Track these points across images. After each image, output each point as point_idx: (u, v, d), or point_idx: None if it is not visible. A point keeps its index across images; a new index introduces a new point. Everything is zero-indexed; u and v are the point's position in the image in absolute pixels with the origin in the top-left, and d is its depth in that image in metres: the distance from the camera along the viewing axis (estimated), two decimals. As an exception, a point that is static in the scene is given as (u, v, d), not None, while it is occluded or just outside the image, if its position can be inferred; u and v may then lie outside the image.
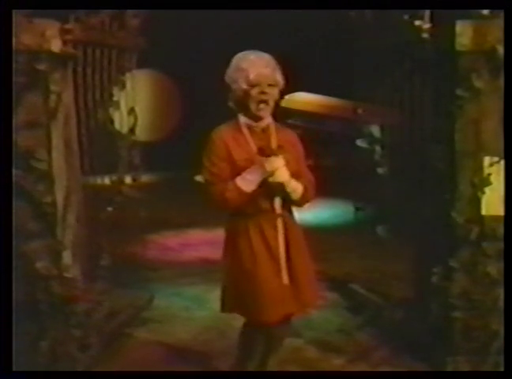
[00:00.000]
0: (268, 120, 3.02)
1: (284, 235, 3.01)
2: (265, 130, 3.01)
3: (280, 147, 2.95)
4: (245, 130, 2.99)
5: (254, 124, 2.99)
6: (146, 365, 3.76)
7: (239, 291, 3.00)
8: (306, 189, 3.03)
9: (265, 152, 2.90)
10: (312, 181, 3.13)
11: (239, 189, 2.90)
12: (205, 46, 9.81)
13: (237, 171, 2.92)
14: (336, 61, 7.71)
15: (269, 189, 2.95)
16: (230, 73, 2.97)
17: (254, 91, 2.90)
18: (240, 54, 2.97)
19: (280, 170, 2.90)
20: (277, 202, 2.99)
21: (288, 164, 2.94)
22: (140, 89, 4.41)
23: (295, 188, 2.99)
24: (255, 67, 2.88)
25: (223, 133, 2.99)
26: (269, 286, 2.95)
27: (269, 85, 2.91)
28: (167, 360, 3.85)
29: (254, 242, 2.97)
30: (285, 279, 2.99)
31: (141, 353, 3.97)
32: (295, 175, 2.99)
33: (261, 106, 2.93)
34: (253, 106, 2.93)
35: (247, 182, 2.90)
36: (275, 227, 3.00)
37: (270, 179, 2.91)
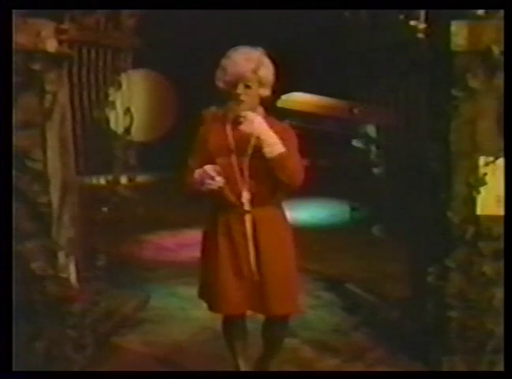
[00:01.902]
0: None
1: (256, 233, 2.97)
2: None
3: (259, 138, 2.91)
4: (229, 120, 3.00)
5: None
6: (142, 366, 3.75)
7: (205, 281, 3.12)
8: (295, 165, 2.88)
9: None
10: (303, 167, 2.98)
11: (189, 186, 2.96)
12: (201, 46, 9.79)
13: (211, 161, 2.92)
14: (332, 61, 7.71)
15: (236, 184, 2.93)
16: (218, 69, 2.98)
17: (231, 91, 2.92)
18: (230, 51, 2.96)
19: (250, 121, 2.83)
20: (245, 197, 2.95)
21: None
22: (135, 89, 4.41)
23: (271, 142, 2.84)
24: (233, 67, 2.88)
25: (208, 121, 3.06)
26: (225, 283, 2.98)
27: (246, 86, 2.90)
28: (163, 360, 3.84)
29: (219, 237, 3.00)
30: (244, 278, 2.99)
31: (137, 353, 3.96)
32: None
33: (236, 105, 2.93)
34: (231, 104, 2.96)
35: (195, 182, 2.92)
36: (243, 224, 2.97)
37: (242, 127, 2.86)
